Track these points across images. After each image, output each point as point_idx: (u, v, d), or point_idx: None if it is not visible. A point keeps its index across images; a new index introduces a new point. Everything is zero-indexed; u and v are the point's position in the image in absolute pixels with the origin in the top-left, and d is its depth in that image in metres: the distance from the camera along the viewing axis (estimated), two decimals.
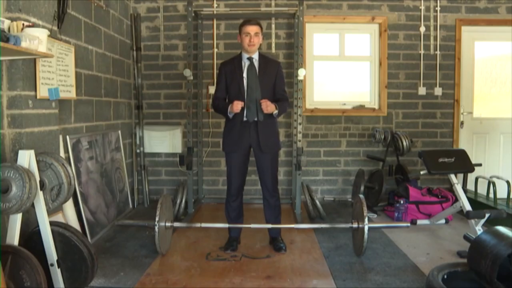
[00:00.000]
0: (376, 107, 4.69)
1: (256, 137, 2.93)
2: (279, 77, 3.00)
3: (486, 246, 2.10)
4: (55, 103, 2.60)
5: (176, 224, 3.15)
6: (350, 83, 4.81)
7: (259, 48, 3.04)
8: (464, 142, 4.71)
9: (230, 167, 3.03)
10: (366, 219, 2.77)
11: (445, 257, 2.92)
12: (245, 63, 2.94)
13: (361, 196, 2.97)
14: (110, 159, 3.81)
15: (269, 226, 3.09)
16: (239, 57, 2.97)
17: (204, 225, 3.12)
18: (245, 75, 2.92)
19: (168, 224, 2.98)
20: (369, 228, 2.78)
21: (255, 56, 2.95)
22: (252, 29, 2.86)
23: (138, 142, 4.48)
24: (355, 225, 2.92)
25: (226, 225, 3.07)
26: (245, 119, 2.92)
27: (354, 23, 4.61)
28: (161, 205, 2.89)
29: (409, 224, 3.18)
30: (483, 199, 3.97)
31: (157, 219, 2.81)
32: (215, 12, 4.45)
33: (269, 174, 3.01)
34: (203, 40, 4.54)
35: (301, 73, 3.83)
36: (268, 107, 2.85)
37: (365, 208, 2.82)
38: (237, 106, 2.83)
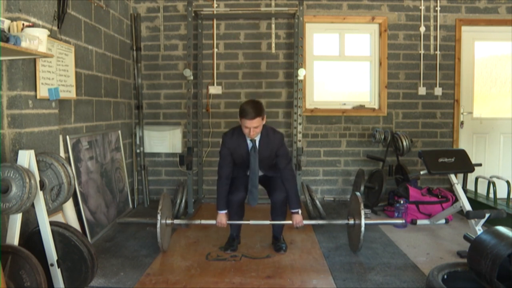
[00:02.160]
0: (376, 107, 4.69)
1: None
2: (281, 150, 2.97)
3: (486, 246, 2.10)
4: (55, 103, 2.60)
5: (176, 221, 3.17)
6: (350, 83, 4.81)
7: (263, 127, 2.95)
8: (464, 142, 4.71)
9: (233, 183, 3.05)
10: (362, 215, 2.81)
11: (445, 257, 2.92)
12: (249, 144, 2.94)
13: (357, 193, 3.02)
14: (110, 159, 3.81)
15: (267, 222, 3.10)
16: (242, 135, 2.91)
17: (204, 222, 3.12)
18: (249, 155, 2.94)
19: (168, 221, 3.00)
20: (365, 225, 2.81)
21: (257, 138, 2.93)
22: (251, 123, 2.76)
23: (138, 142, 4.47)
24: (351, 221, 2.96)
25: None
26: (248, 173, 3.03)
27: (354, 23, 4.61)
28: (163, 199, 2.94)
29: (403, 221, 3.22)
30: (483, 199, 3.97)
31: (159, 207, 2.86)
32: (215, 12, 4.45)
33: (279, 189, 3.03)
34: (203, 40, 4.54)
35: (301, 73, 3.83)
36: (299, 223, 3.00)
37: (361, 205, 2.86)
38: (220, 225, 2.98)
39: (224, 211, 2.98)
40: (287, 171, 2.98)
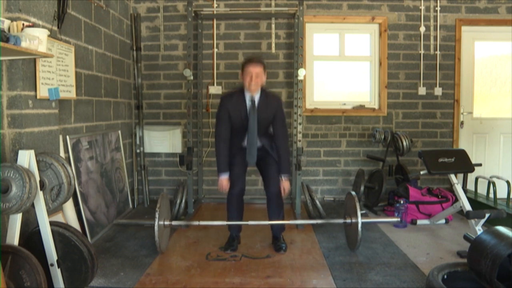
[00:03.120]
0: (376, 107, 4.69)
1: (259, 153, 3.04)
2: (279, 113, 3.01)
3: (486, 246, 2.10)
4: (55, 103, 2.60)
5: (175, 223, 3.17)
6: (350, 83, 4.81)
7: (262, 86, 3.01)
8: (464, 142, 4.71)
9: (233, 173, 3.01)
10: (359, 214, 2.85)
11: (445, 257, 2.92)
12: (248, 104, 2.94)
13: (352, 192, 3.05)
14: (110, 159, 3.81)
15: (266, 222, 3.10)
16: (241, 95, 2.95)
17: (202, 223, 3.12)
18: (248, 114, 2.93)
19: (166, 222, 3.00)
20: (362, 223, 2.84)
21: (257, 96, 2.94)
22: (254, 69, 2.83)
23: (138, 142, 4.47)
24: (348, 220, 3.00)
25: (225, 223, 3.08)
26: (244, 145, 3.00)
27: (354, 23, 4.61)
28: (161, 200, 2.95)
29: (399, 219, 3.24)
30: (483, 199, 3.97)
31: (157, 208, 2.87)
32: (215, 12, 4.45)
33: (275, 178, 3.03)
34: (203, 40, 4.54)
35: (301, 73, 3.83)
36: (286, 190, 3.02)
37: (357, 203, 2.90)
38: (222, 188, 2.97)
39: (226, 175, 2.96)
40: (282, 129, 3.02)
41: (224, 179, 2.96)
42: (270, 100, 2.99)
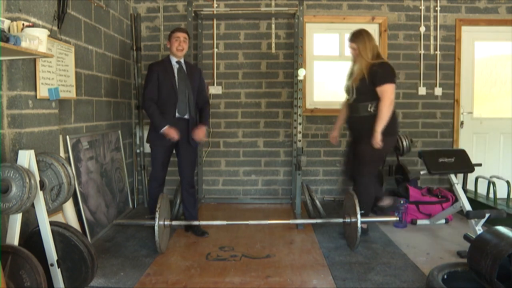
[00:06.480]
0: None
1: (186, 132, 3.24)
2: (202, 81, 3.43)
3: (486, 246, 2.10)
4: (55, 103, 2.60)
5: (175, 223, 3.17)
6: None
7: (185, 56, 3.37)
8: (464, 142, 4.71)
9: (156, 160, 3.31)
10: (358, 213, 2.88)
11: (445, 257, 2.92)
12: (175, 66, 3.26)
13: (352, 191, 3.08)
14: (110, 159, 3.81)
15: (266, 222, 3.12)
16: (168, 60, 3.28)
17: (202, 222, 3.13)
18: (175, 75, 3.23)
19: (166, 222, 3.01)
20: (361, 222, 2.88)
21: (182, 60, 3.31)
22: (182, 35, 3.23)
23: (138, 142, 4.47)
24: (347, 219, 3.04)
25: (225, 222, 3.09)
26: (177, 115, 3.21)
27: (354, 23, 4.60)
28: (161, 200, 2.96)
29: (398, 218, 3.25)
30: (483, 199, 3.97)
31: (157, 208, 2.90)
32: (215, 12, 4.45)
33: (192, 166, 3.40)
34: (203, 40, 4.54)
35: (301, 73, 3.83)
36: (201, 134, 3.26)
37: (356, 202, 2.93)
38: (173, 134, 3.12)
39: (167, 125, 3.13)
40: (205, 94, 3.46)
41: (168, 129, 3.13)
42: (193, 69, 3.39)
